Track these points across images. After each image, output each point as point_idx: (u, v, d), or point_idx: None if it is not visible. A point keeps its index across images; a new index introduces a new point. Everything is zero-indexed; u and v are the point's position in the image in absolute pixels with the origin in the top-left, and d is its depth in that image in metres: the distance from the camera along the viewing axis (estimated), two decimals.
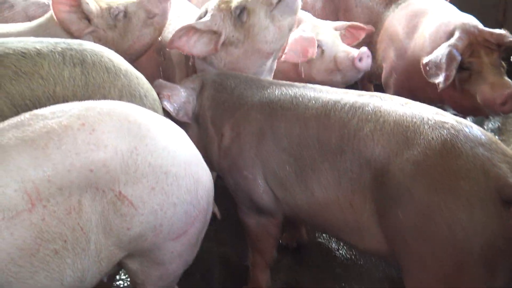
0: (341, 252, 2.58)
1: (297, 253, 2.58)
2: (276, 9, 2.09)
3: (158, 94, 2.01)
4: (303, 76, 2.44)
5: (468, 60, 2.21)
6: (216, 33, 2.17)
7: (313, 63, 2.45)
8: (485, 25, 2.40)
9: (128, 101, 1.82)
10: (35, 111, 1.55)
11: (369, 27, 2.67)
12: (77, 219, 1.50)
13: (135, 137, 1.55)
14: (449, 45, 2.20)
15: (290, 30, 2.19)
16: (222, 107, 2.04)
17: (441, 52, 2.20)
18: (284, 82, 2.05)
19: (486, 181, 1.51)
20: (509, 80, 2.22)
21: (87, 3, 2.28)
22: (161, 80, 2.11)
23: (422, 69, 2.24)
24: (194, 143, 1.88)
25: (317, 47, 2.41)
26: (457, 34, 2.23)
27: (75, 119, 1.50)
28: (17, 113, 1.69)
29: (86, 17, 2.29)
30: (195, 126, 2.11)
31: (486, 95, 2.16)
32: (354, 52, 2.41)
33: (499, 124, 3.36)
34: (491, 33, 2.23)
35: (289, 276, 2.44)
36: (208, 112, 2.06)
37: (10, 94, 1.75)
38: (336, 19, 2.88)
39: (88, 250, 1.55)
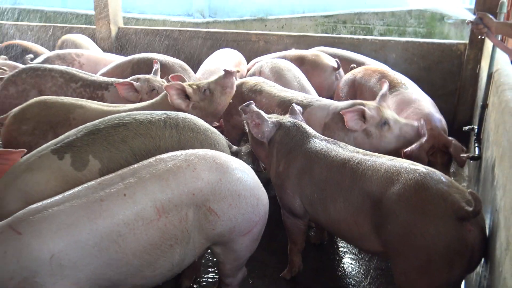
0: (349, 248, 3.09)
1: (320, 247, 3.16)
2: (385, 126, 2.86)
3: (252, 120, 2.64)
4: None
5: (429, 158, 2.99)
6: (363, 122, 2.87)
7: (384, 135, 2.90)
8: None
9: (207, 148, 2.32)
10: (158, 156, 2.04)
11: None
12: (185, 225, 1.91)
13: (220, 172, 2.01)
14: (419, 146, 2.96)
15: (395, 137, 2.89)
16: (284, 146, 2.57)
17: (413, 149, 2.96)
18: (323, 137, 2.56)
19: (445, 205, 1.89)
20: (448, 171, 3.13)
21: (188, 88, 3.01)
22: (261, 112, 2.68)
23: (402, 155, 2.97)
24: (265, 154, 2.46)
25: (384, 123, 2.86)
26: (425, 137, 2.93)
27: (183, 161, 1.98)
28: (136, 160, 2.21)
29: (187, 97, 3.00)
30: (267, 144, 2.68)
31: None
32: (415, 122, 2.88)
33: (454, 169, 4.01)
34: (446, 140, 3.04)
35: (315, 262, 2.99)
36: (276, 144, 2.59)
37: (132, 148, 2.27)
38: (355, 98, 3.58)
39: (189, 243, 1.96)
